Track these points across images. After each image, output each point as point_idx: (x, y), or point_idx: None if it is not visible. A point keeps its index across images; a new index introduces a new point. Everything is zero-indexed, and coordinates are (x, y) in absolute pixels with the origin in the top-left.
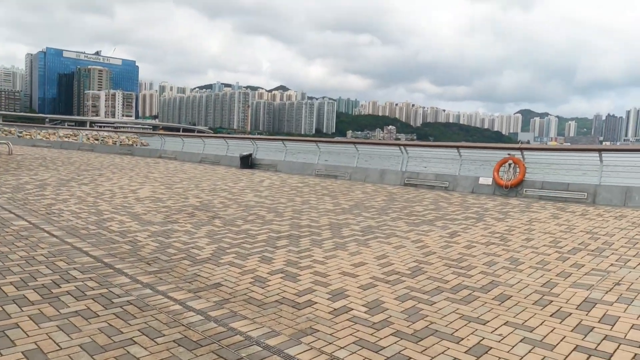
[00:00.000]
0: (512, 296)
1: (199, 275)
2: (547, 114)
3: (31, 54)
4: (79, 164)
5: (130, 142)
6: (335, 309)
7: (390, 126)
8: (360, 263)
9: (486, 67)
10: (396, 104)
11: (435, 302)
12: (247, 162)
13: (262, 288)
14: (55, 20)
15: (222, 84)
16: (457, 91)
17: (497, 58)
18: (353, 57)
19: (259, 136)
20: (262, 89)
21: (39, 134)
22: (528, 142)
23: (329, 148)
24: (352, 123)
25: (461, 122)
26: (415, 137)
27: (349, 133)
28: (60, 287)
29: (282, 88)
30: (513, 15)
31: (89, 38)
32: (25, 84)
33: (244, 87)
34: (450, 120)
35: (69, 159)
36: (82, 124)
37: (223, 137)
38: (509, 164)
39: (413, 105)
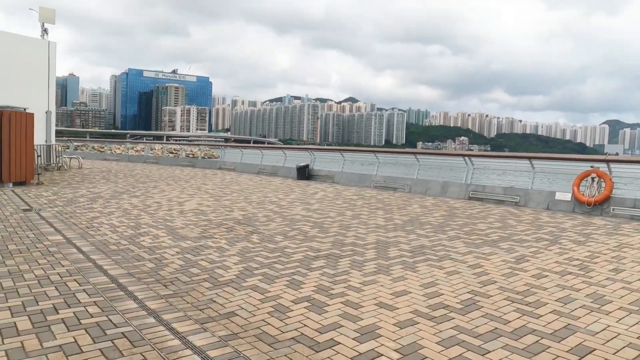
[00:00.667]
0: (595, 349)
1: (213, 301)
2: (638, 125)
3: (115, 75)
4: (139, 176)
5: (195, 155)
6: (359, 354)
7: (462, 137)
8: (402, 292)
9: (566, 75)
10: (468, 115)
11: (489, 352)
12: (304, 173)
13: (281, 320)
14: (136, 43)
15: (291, 96)
16: (534, 101)
17: (578, 66)
18: (423, 67)
19: (316, 146)
20: (331, 100)
21: (110, 148)
22: (617, 155)
23: (388, 159)
24: (422, 134)
25: (539, 133)
26: (489, 148)
27: (419, 144)
28: (58, 314)
29: (351, 100)
30: (597, 21)
31: (167, 58)
32: (110, 102)
33: (313, 99)
34: (528, 131)
35: (132, 172)
36: (159, 138)
37: (280, 148)
38: (592, 178)
39: (487, 115)
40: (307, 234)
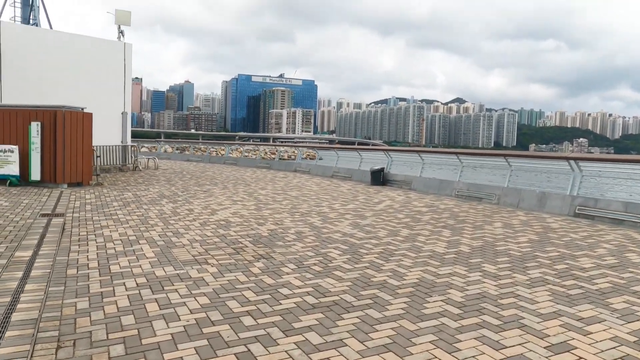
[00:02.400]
0: None
1: None
2: None
3: (226, 81)
4: (204, 178)
5: (271, 156)
6: None
7: (580, 139)
8: None
9: None
10: (588, 114)
11: None
12: (379, 177)
13: None
14: (246, 50)
15: (396, 98)
16: None
17: None
18: (535, 65)
19: (393, 148)
20: (438, 102)
21: (192, 148)
22: None
23: (474, 161)
24: (536, 135)
25: None
26: (612, 151)
27: (532, 146)
28: None
29: (459, 100)
30: None
31: (274, 63)
32: (221, 107)
33: (418, 100)
34: None
35: (202, 173)
36: (266, 139)
37: (356, 149)
38: None
39: (610, 115)
40: (328, 264)
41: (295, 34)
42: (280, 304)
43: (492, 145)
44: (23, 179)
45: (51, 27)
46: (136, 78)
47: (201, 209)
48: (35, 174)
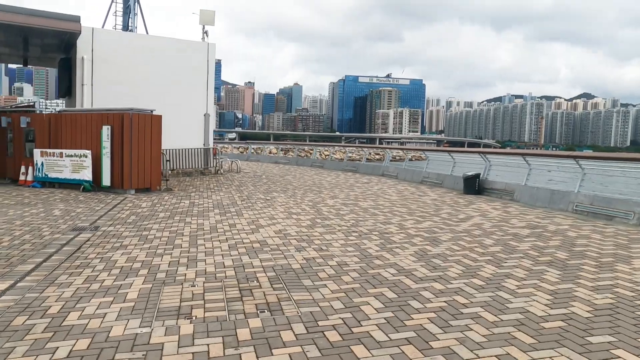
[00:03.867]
0: None
1: None
2: None
3: (333, 82)
4: (280, 183)
5: (353, 158)
6: None
7: None
8: None
9: None
10: None
11: None
12: (473, 185)
13: None
14: (353, 51)
15: (512, 95)
16: None
17: None
18: None
19: (492, 150)
20: (560, 98)
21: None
22: None
23: (600, 167)
24: None
25: None
26: None
27: None
28: None
29: (586, 96)
30: None
31: (381, 63)
32: (328, 107)
33: (537, 97)
34: None
35: (282, 177)
36: (372, 140)
37: (447, 151)
38: None
39: None
40: (353, 329)
41: (403, 33)
42: None
43: (629, 144)
44: (96, 185)
45: (147, 32)
46: (249, 82)
47: (247, 223)
48: (106, 179)
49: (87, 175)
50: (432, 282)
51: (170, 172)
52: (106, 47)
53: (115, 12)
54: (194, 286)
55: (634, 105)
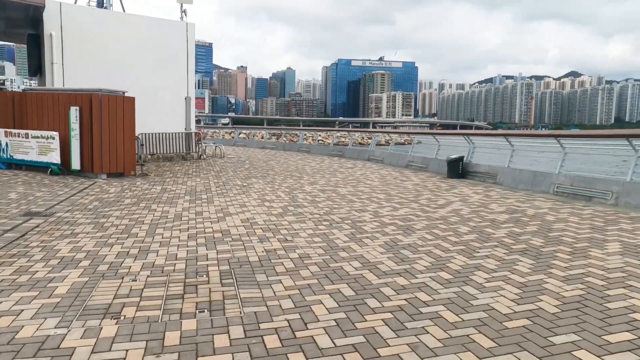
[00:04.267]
0: None
1: None
2: None
3: (326, 67)
4: (262, 169)
5: (344, 142)
6: None
7: None
8: None
9: None
10: None
11: None
12: (457, 168)
13: None
14: (344, 35)
15: (503, 76)
16: None
17: None
18: None
19: (475, 131)
20: (549, 77)
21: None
22: None
23: (582, 145)
24: None
25: None
26: None
27: None
28: None
29: (573, 74)
30: None
31: (373, 46)
32: (321, 92)
33: (527, 77)
34: None
35: (265, 162)
36: (365, 124)
37: (432, 134)
38: None
39: None
40: (297, 333)
41: (394, 15)
42: None
43: (613, 121)
44: (65, 168)
45: (124, 10)
46: (241, 66)
47: (214, 211)
48: (75, 162)
49: (55, 157)
50: (396, 277)
51: (149, 157)
52: (77, 24)
53: None
54: (135, 281)
55: (618, 82)
